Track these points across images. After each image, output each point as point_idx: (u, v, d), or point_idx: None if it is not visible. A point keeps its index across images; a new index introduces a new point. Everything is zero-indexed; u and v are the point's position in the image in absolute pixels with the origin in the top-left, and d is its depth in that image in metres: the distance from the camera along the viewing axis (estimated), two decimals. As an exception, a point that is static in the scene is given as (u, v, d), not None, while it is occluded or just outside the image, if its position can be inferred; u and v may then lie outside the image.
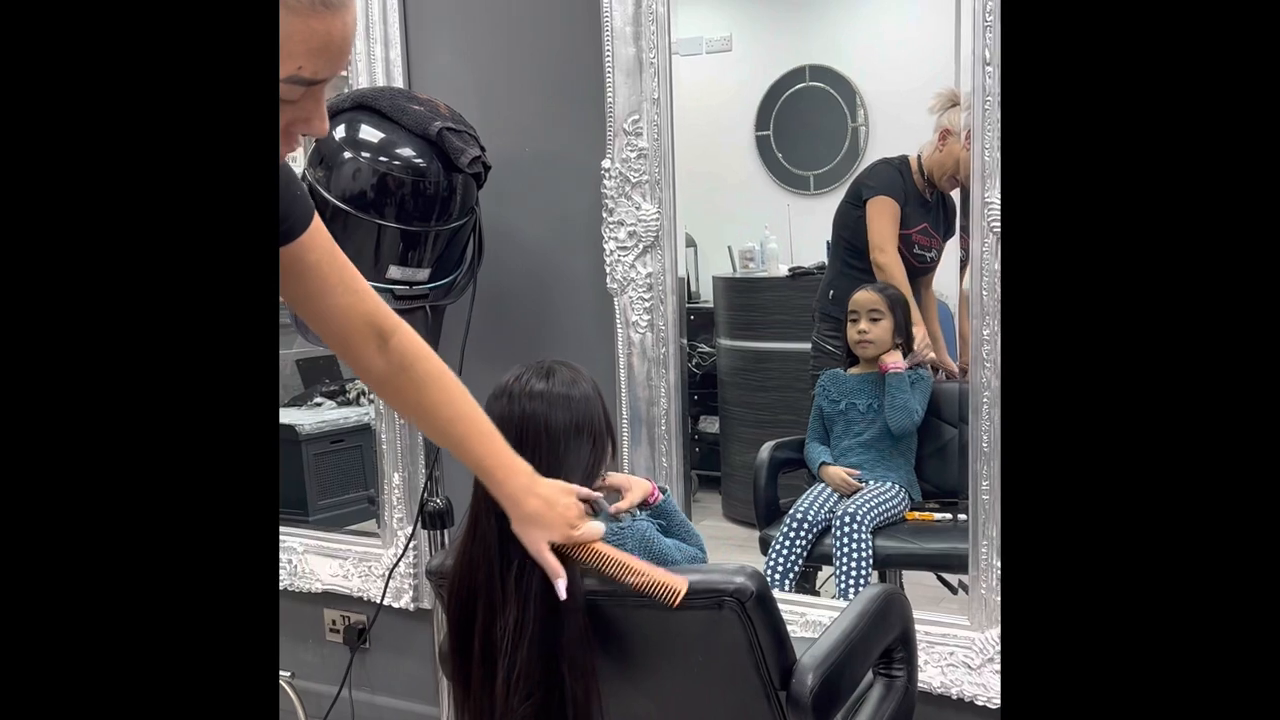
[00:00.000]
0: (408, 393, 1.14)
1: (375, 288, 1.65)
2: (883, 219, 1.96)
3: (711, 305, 2.27)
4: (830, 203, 2.13)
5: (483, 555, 1.18)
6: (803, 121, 2.16)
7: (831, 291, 2.05)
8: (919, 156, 1.95)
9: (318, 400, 2.67)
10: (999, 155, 1.52)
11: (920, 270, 1.99)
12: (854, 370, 2.01)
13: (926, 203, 1.97)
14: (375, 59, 2.02)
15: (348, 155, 1.64)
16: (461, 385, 1.16)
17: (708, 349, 2.25)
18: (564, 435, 1.17)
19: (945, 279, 1.99)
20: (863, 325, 1.97)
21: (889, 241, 1.96)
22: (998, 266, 1.55)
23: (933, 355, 1.99)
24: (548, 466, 1.16)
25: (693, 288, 2.20)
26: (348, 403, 2.65)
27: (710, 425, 2.30)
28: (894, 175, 1.98)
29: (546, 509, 1.12)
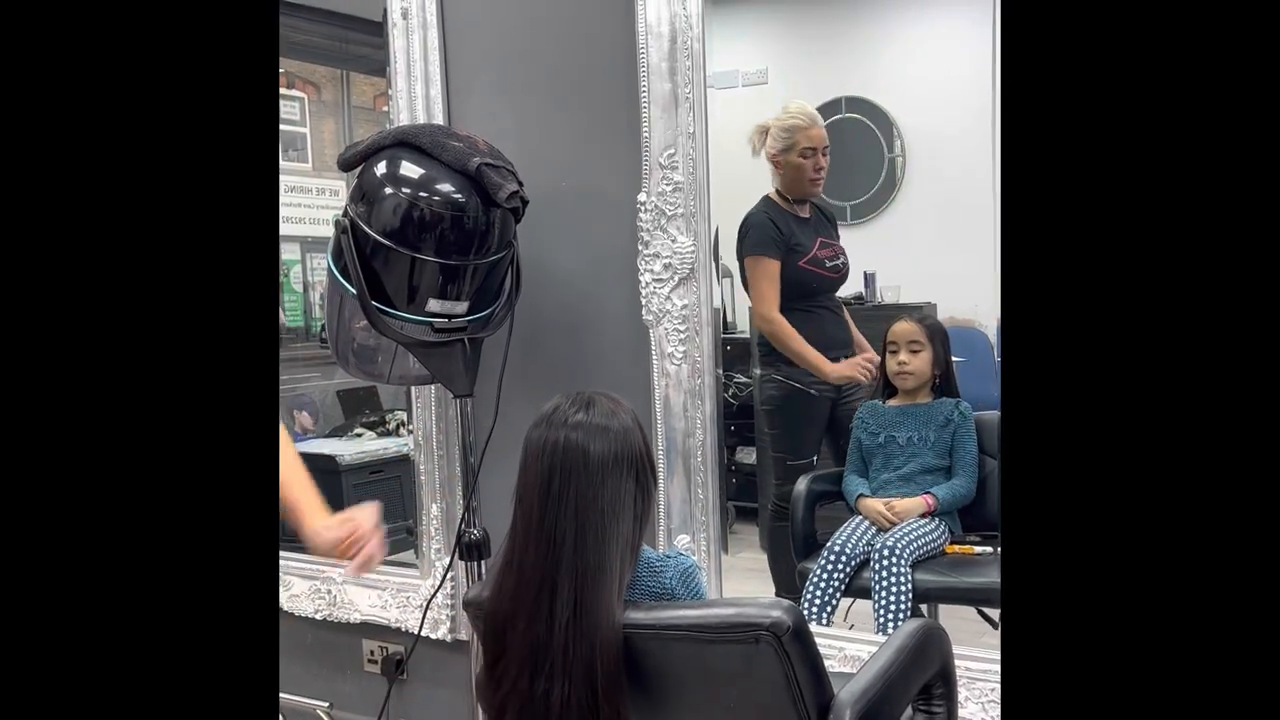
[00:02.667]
0: None
1: (415, 321, 1.70)
2: (760, 281, 2.03)
3: (748, 336, 2.27)
4: (867, 233, 2.12)
5: (518, 585, 1.19)
6: (839, 153, 2.16)
7: None
8: (776, 190, 2.04)
9: (358, 431, 2.70)
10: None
11: (840, 279, 2.05)
12: (893, 402, 2.00)
13: (807, 220, 2.04)
14: (416, 96, 2.06)
15: (389, 191, 1.67)
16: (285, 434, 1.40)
17: (744, 379, 2.24)
18: (602, 466, 1.17)
19: (981, 307, 1.97)
20: (902, 356, 1.96)
21: (770, 304, 2.02)
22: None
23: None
24: (585, 497, 1.16)
25: (729, 318, 2.20)
26: (387, 433, 2.68)
27: (747, 456, 2.29)
28: (764, 223, 2.04)
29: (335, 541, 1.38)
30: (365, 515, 1.41)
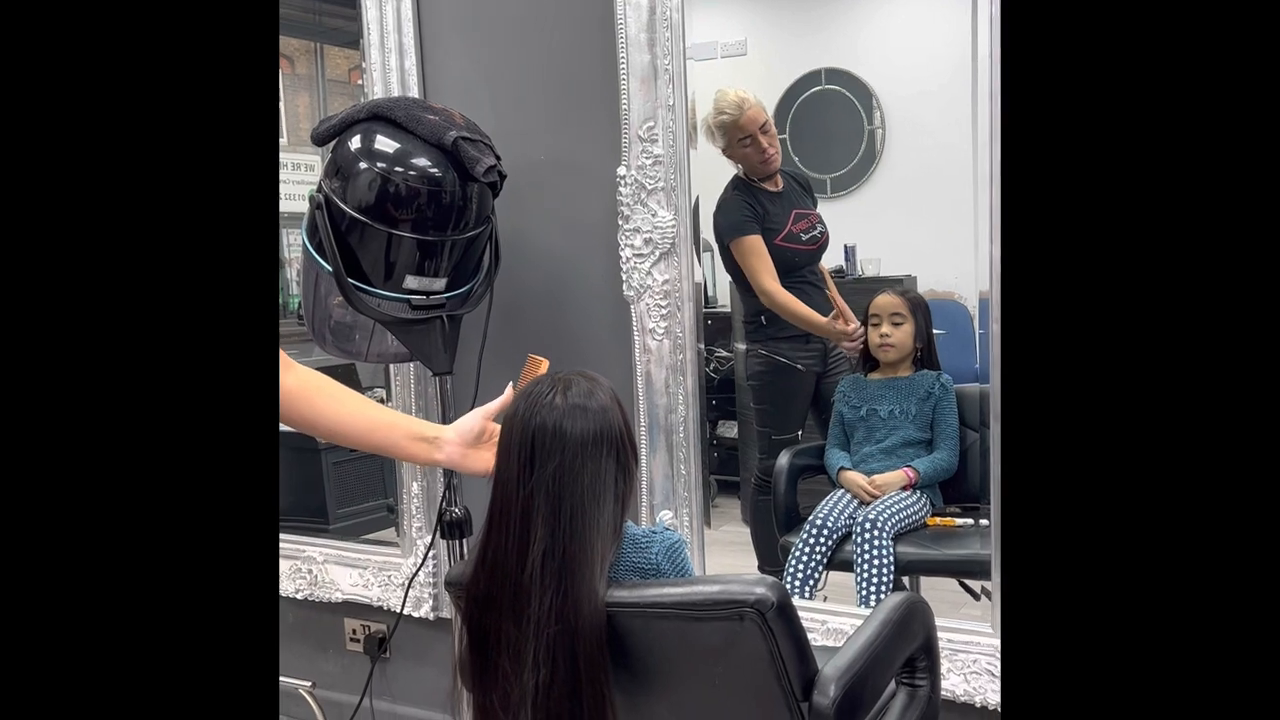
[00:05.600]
0: (320, 399, 1.32)
1: (393, 298, 1.67)
2: (751, 259, 2.02)
3: (729, 310, 2.26)
4: (848, 206, 2.11)
5: (497, 569, 1.18)
6: (819, 125, 2.15)
7: (763, 317, 2.07)
8: (742, 170, 2.03)
9: (337, 409, 2.67)
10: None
11: (820, 249, 2.04)
12: (874, 375, 1.99)
13: (779, 193, 2.02)
14: (390, 69, 2.03)
15: (363, 166, 1.64)
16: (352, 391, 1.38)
17: (725, 354, 2.24)
18: (581, 447, 1.16)
19: (961, 280, 1.97)
20: (885, 329, 1.95)
21: (767, 277, 2.01)
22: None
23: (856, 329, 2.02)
24: (565, 479, 1.15)
25: (710, 293, 2.19)
26: (366, 411, 2.65)
27: (729, 430, 2.28)
28: (736, 204, 2.02)
29: (473, 441, 1.35)
30: (483, 411, 1.36)
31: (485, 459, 1.34)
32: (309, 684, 2.27)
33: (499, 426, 1.33)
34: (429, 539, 2.09)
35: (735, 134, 1.98)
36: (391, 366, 2.14)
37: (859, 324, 1.99)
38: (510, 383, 1.37)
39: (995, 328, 1.59)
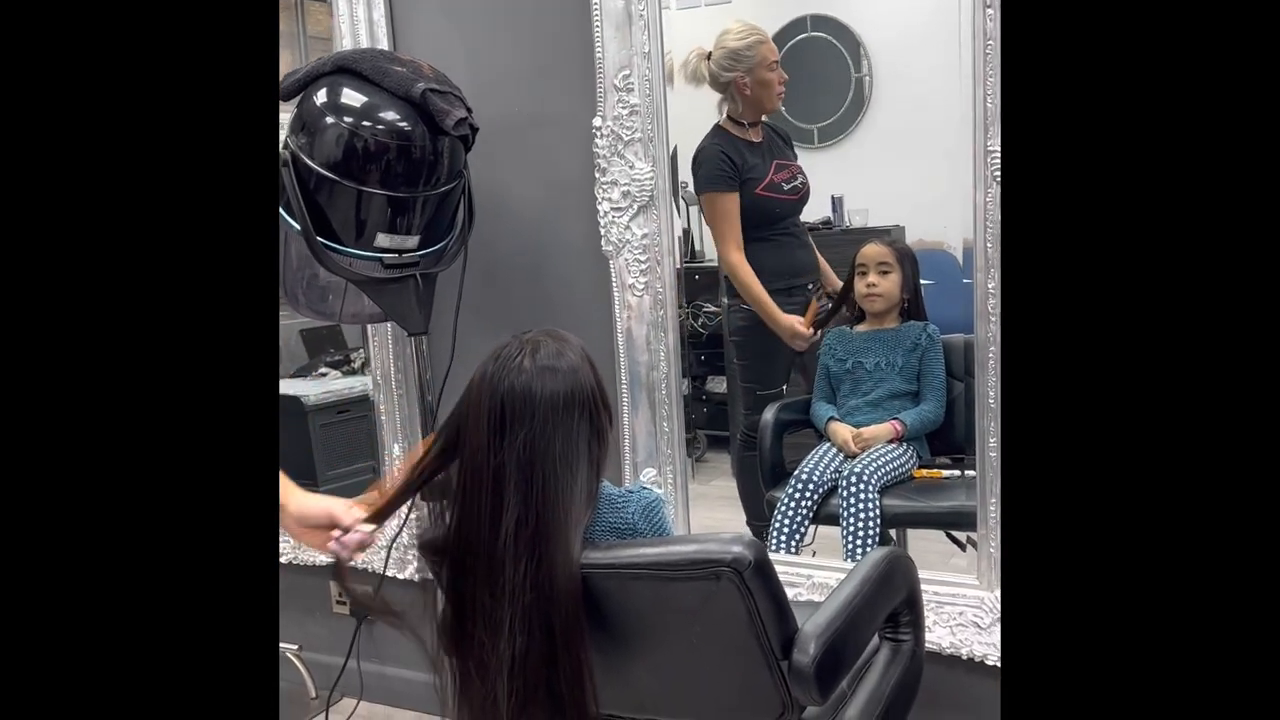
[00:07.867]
0: None
1: (364, 257, 1.63)
2: (719, 221, 1.97)
3: (716, 265, 2.23)
4: (835, 156, 2.07)
5: (472, 531, 1.15)
6: (805, 73, 2.10)
7: None
8: (727, 116, 1.96)
9: (322, 370, 2.65)
10: (1000, 102, 1.47)
11: (801, 201, 1.99)
12: (861, 328, 1.97)
13: (759, 144, 1.98)
14: (358, 20, 1.97)
15: (330, 120, 1.59)
16: None
17: (714, 309, 2.20)
18: (551, 409, 1.13)
19: (949, 229, 1.93)
20: (871, 278, 1.92)
21: (730, 244, 1.96)
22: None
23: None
24: (537, 442, 1.12)
25: (696, 247, 2.16)
26: (352, 372, 2.63)
27: (718, 385, 2.26)
28: (714, 156, 1.96)
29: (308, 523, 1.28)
30: (338, 509, 1.29)
31: (312, 540, 1.30)
32: (296, 647, 2.27)
33: (349, 522, 1.28)
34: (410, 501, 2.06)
35: (769, 55, 1.92)
36: (369, 327, 2.11)
37: (812, 331, 1.97)
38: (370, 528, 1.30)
39: (980, 277, 1.55)
